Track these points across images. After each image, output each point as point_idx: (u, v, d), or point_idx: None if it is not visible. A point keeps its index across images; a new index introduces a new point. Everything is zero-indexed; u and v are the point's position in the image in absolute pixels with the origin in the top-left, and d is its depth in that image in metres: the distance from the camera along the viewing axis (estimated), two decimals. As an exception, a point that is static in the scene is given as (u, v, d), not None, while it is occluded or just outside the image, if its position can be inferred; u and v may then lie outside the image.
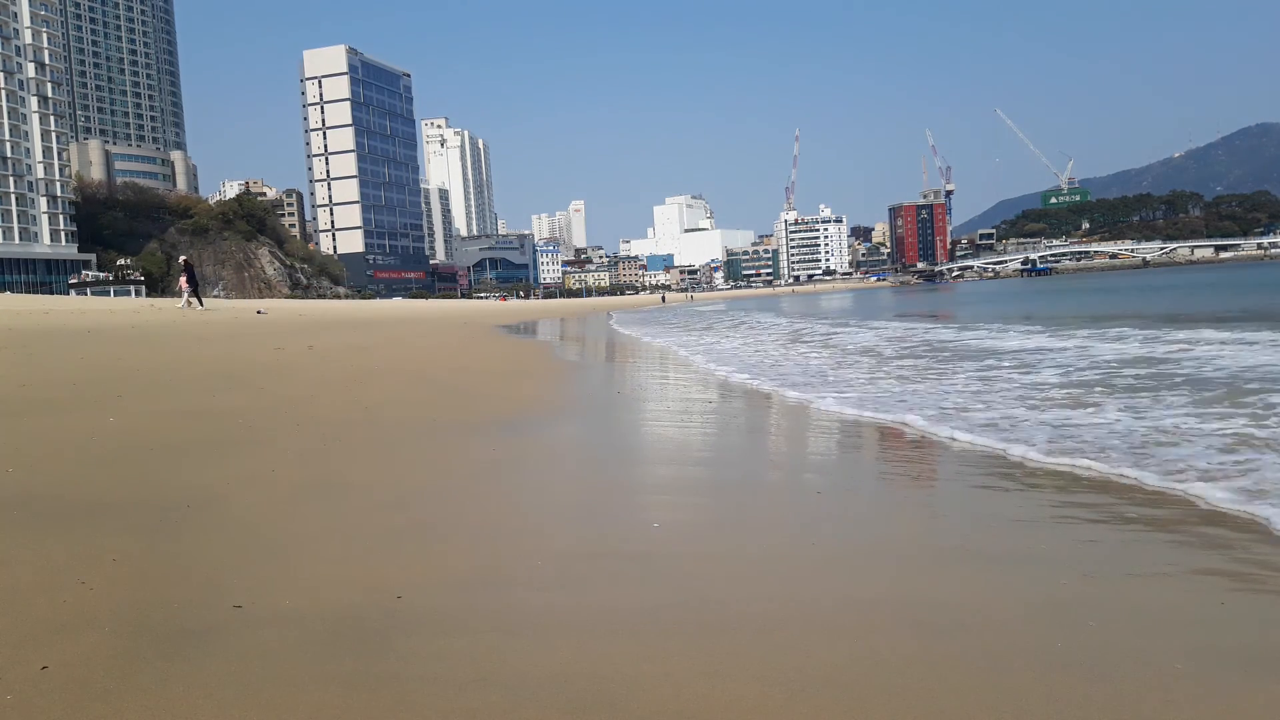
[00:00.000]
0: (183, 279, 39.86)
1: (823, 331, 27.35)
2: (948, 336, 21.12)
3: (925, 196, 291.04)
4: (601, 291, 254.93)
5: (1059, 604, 3.63)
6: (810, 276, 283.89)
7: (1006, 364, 13.59)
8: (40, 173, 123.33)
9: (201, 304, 37.38)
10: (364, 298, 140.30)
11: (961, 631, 3.35)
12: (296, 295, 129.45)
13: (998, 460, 6.65)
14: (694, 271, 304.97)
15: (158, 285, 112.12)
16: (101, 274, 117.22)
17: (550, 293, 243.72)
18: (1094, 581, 3.90)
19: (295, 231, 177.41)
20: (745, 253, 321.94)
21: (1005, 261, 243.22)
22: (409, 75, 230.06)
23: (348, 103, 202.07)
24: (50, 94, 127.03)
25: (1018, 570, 4.13)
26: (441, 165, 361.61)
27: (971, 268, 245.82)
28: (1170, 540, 4.60)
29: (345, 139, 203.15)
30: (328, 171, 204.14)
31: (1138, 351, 14.31)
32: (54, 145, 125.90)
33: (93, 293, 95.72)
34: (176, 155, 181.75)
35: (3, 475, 5.50)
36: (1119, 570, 4.08)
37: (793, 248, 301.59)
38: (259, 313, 35.58)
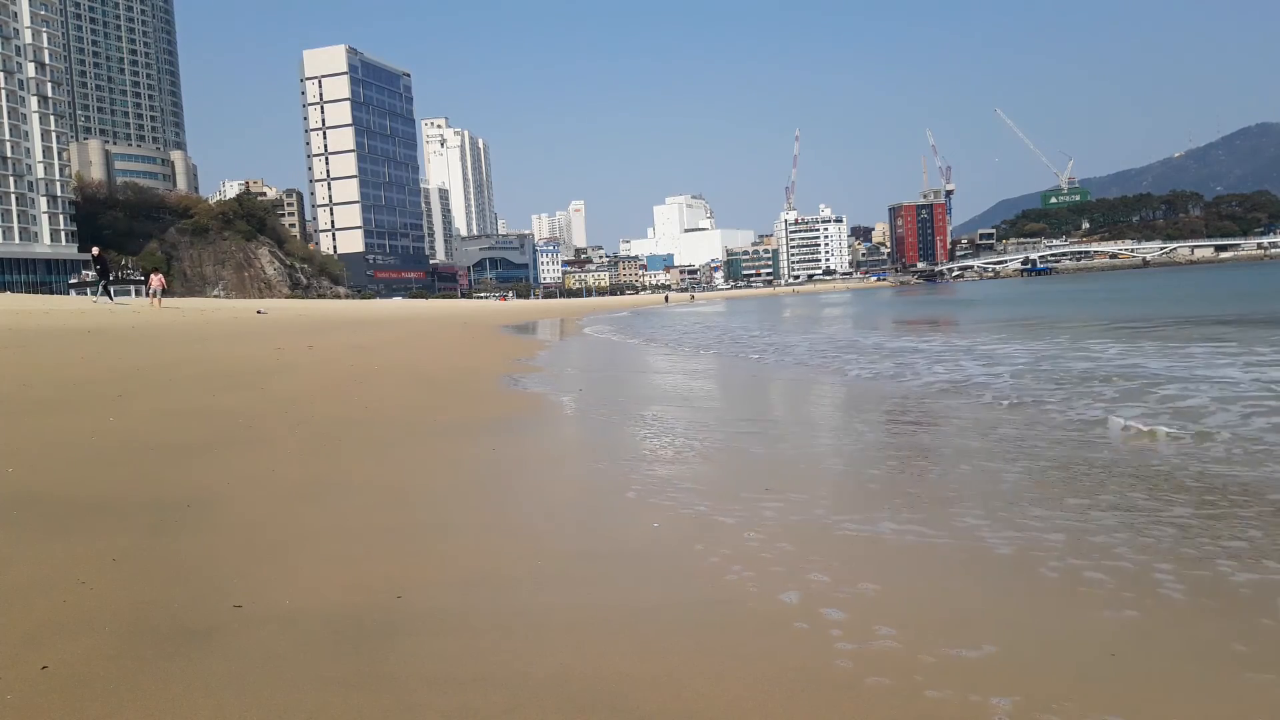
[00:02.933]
0: (154, 279, 39.65)
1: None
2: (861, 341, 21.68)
3: (925, 196, 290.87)
4: (601, 291, 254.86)
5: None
6: (810, 276, 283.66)
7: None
8: (40, 173, 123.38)
9: (111, 298, 36.75)
10: (364, 298, 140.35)
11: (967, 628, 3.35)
12: (296, 295, 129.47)
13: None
14: (694, 271, 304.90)
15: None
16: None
17: (550, 293, 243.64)
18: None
19: (295, 231, 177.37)
20: (745, 253, 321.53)
21: (1005, 261, 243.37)
22: (409, 75, 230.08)
23: (348, 103, 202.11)
24: (50, 94, 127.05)
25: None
26: (441, 165, 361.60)
27: (971, 267, 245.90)
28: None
29: (345, 139, 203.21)
30: (328, 171, 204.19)
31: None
32: (54, 145, 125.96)
33: (93, 293, 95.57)
34: (176, 155, 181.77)
35: (3, 475, 5.50)
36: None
37: (793, 248, 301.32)
38: (259, 313, 35.62)
